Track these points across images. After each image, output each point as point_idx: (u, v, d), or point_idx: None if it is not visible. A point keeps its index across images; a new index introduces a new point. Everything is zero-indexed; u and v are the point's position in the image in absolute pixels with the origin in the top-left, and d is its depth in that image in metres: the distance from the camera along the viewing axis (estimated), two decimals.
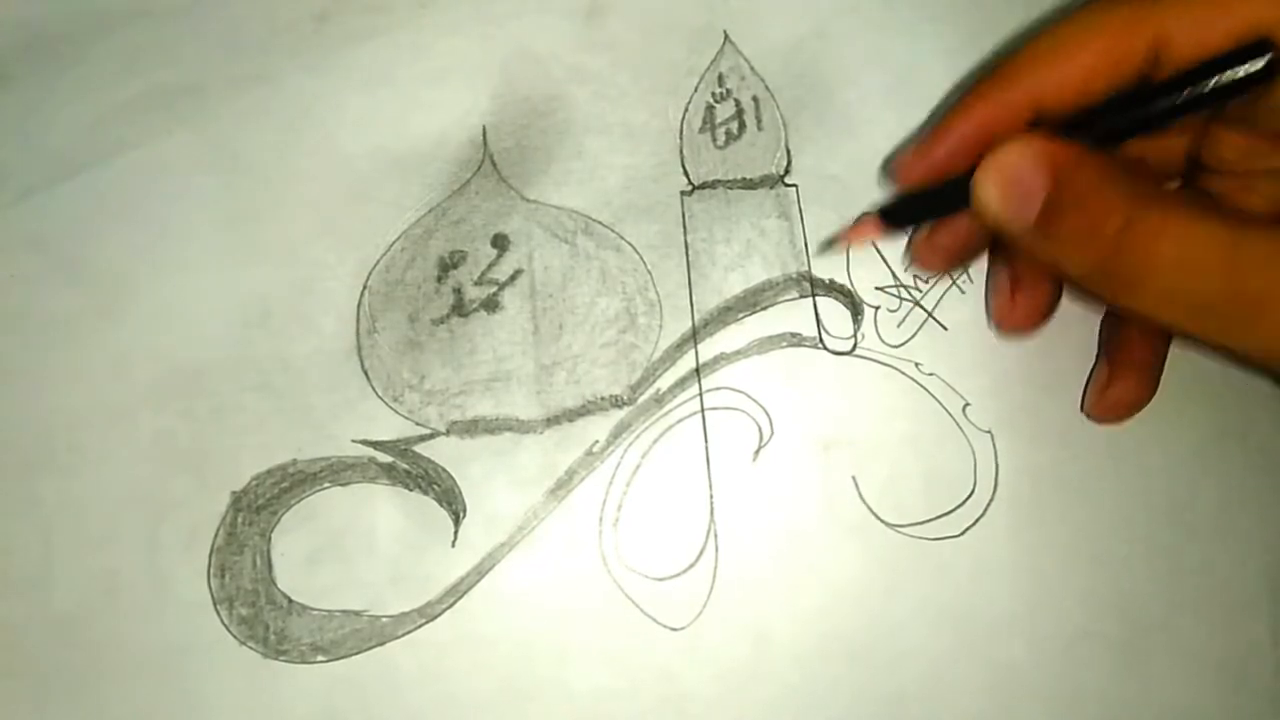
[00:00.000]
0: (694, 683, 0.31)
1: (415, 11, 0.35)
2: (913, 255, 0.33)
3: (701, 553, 0.32)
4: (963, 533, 0.32)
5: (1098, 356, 0.34)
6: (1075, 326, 0.34)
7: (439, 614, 0.31)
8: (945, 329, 0.34)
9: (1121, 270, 0.25)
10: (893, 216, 0.31)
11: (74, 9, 0.35)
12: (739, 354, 0.33)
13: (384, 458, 0.32)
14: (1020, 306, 0.32)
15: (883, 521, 0.32)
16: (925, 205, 0.30)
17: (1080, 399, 0.33)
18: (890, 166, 0.31)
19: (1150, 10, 0.27)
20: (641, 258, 0.34)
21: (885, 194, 0.34)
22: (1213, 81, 0.25)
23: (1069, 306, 0.34)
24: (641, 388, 0.33)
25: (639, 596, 0.31)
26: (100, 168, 0.34)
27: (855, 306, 0.34)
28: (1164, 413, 0.34)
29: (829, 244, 0.34)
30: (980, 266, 0.34)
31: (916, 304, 0.34)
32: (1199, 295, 0.24)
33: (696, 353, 0.33)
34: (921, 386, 0.33)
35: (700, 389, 0.33)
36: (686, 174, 0.34)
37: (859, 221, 0.31)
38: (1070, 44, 0.28)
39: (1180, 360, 0.34)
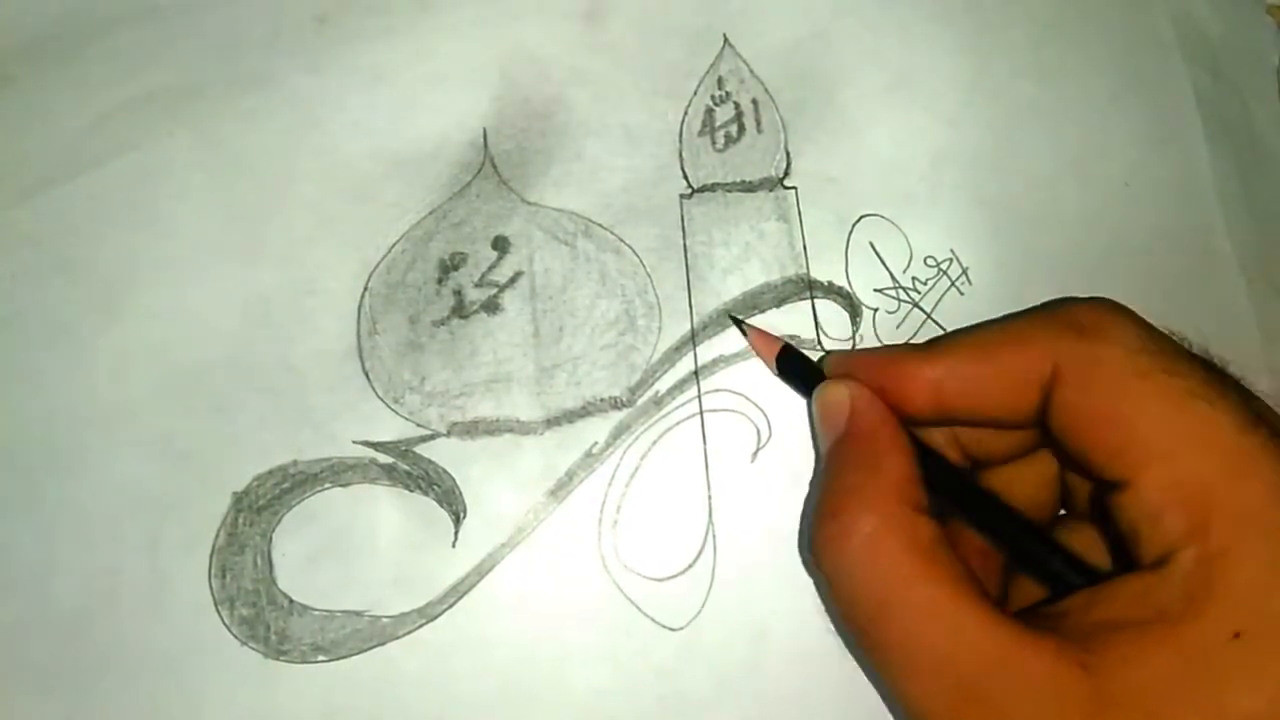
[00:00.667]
0: (692, 682, 0.31)
1: (416, 13, 0.35)
2: None
3: (700, 553, 0.32)
4: None
5: None
6: None
7: (439, 614, 0.31)
8: (944, 331, 0.34)
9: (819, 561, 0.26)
10: (786, 366, 0.32)
11: (74, 9, 0.35)
12: (738, 356, 0.33)
13: (385, 459, 0.32)
14: None
15: None
16: (801, 379, 0.31)
17: None
18: (823, 359, 0.32)
19: (1048, 345, 0.27)
20: (641, 260, 0.34)
21: (884, 196, 0.35)
22: (1042, 561, 0.27)
23: None
24: (641, 389, 0.33)
25: (638, 597, 0.32)
26: (101, 168, 0.34)
27: (854, 308, 0.34)
28: None
29: (739, 322, 0.33)
30: (980, 267, 0.35)
31: (915, 305, 0.34)
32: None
33: (695, 355, 0.33)
34: None
35: (699, 391, 0.33)
36: (686, 177, 0.35)
37: (770, 339, 0.32)
38: (977, 351, 0.28)
39: None
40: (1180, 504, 0.24)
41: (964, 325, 0.34)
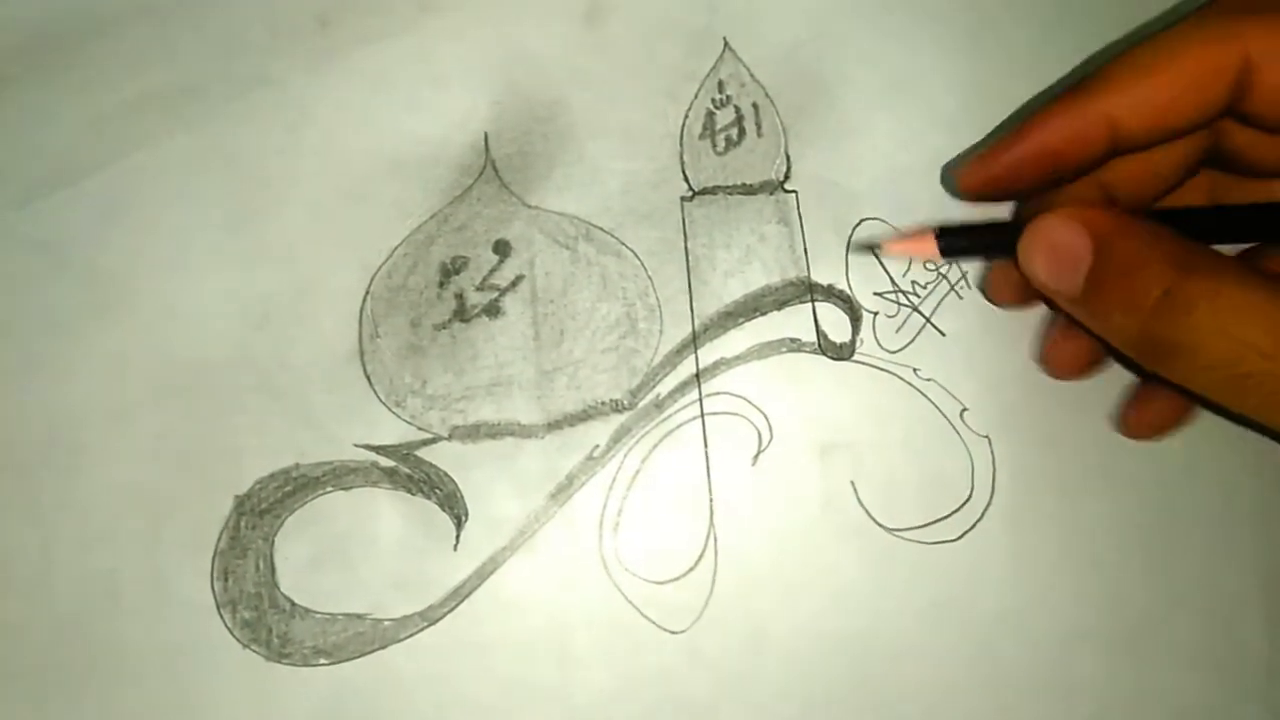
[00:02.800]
0: (693, 685, 0.31)
1: (416, 15, 0.35)
2: (986, 286, 0.33)
3: (701, 556, 0.32)
4: (960, 537, 0.33)
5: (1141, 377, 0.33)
6: None
7: (441, 617, 0.31)
8: (943, 335, 0.34)
9: (1160, 340, 0.24)
10: (949, 240, 0.29)
11: (74, 9, 0.34)
12: (739, 359, 0.33)
13: (386, 462, 0.32)
14: (1067, 353, 0.32)
15: (881, 526, 0.33)
16: (983, 242, 0.29)
17: (1075, 403, 0.34)
18: (950, 171, 0.30)
19: (1236, 35, 0.25)
20: (642, 263, 0.34)
21: (885, 200, 0.35)
22: None
23: None
24: (642, 392, 0.33)
25: (639, 600, 0.32)
26: (101, 169, 0.33)
27: (854, 312, 0.34)
28: None
29: (874, 248, 0.33)
30: (976, 273, 0.35)
31: (915, 310, 0.34)
32: (1239, 368, 0.23)
33: (696, 358, 0.33)
34: (919, 392, 0.34)
35: (700, 394, 0.33)
36: (687, 180, 0.35)
37: (916, 233, 0.30)
38: (1152, 63, 0.26)
39: None
40: None
41: (963, 330, 0.34)
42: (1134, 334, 0.25)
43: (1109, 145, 0.27)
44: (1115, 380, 0.34)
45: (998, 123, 0.36)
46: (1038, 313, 0.34)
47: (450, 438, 0.32)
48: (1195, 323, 0.23)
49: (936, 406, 0.33)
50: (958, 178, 0.30)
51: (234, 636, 0.31)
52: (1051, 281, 0.26)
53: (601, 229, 0.34)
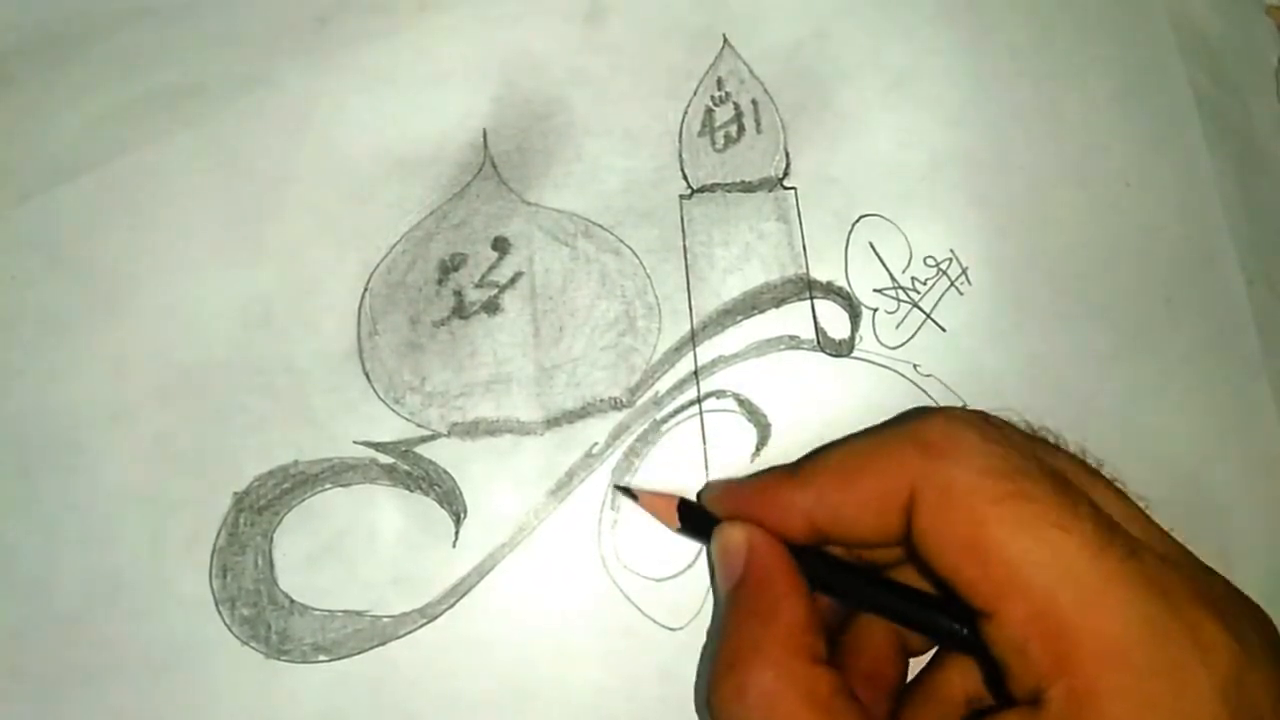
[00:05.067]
0: (692, 682, 0.31)
1: (416, 14, 0.35)
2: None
3: (700, 553, 0.32)
4: None
5: None
6: (1073, 330, 0.34)
7: (440, 614, 0.31)
8: (943, 330, 0.34)
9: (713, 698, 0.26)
10: (686, 519, 0.31)
11: (74, 9, 0.35)
12: (737, 356, 0.33)
13: (385, 459, 0.32)
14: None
15: None
16: (700, 529, 0.30)
17: (1077, 399, 0.34)
18: (703, 489, 0.32)
19: (904, 465, 0.26)
20: (641, 261, 0.34)
21: (884, 196, 0.35)
22: (919, 616, 0.27)
23: (1067, 309, 0.34)
24: (641, 390, 0.33)
25: (638, 596, 0.32)
26: (101, 168, 0.34)
27: (853, 308, 0.34)
28: (1160, 415, 0.34)
29: (629, 492, 0.32)
30: (980, 267, 0.35)
31: (915, 305, 0.34)
32: None
33: (695, 355, 0.33)
34: (919, 388, 0.34)
35: (699, 391, 0.33)
36: (685, 177, 0.35)
37: (663, 498, 0.31)
38: (842, 473, 0.28)
39: (1176, 366, 0.34)
40: (1042, 637, 0.23)
41: (963, 326, 0.34)
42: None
43: (814, 536, 0.28)
44: (1115, 380, 0.34)
45: (997, 122, 0.36)
46: (1038, 311, 0.34)
47: (449, 435, 0.32)
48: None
49: (936, 402, 0.33)
50: (706, 496, 0.31)
51: (233, 633, 0.30)
52: (720, 573, 0.29)
53: (600, 226, 0.34)
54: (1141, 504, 0.27)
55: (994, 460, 0.25)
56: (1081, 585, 0.23)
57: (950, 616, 0.27)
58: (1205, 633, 0.23)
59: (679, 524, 0.30)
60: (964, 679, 0.28)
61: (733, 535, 0.28)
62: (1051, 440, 0.31)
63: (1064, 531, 0.24)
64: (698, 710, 0.31)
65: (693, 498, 0.31)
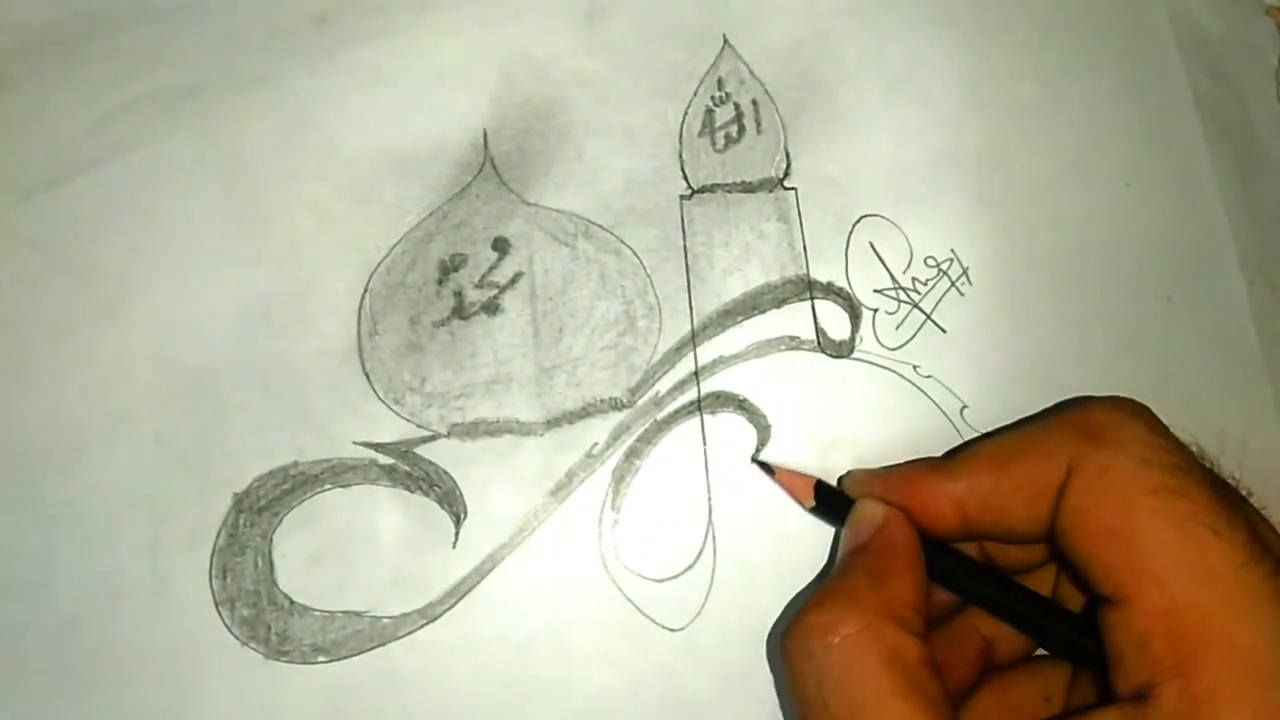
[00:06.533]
0: (693, 683, 0.31)
1: (416, 14, 0.35)
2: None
3: (700, 554, 0.32)
4: None
5: None
6: (1073, 330, 0.34)
7: (440, 615, 0.31)
8: (944, 332, 0.34)
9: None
10: (821, 499, 0.31)
11: (74, 9, 0.35)
12: (737, 357, 0.33)
13: (385, 460, 0.32)
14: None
15: None
16: (833, 511, 0.31)
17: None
18: (844, 476, 0.32)
19: (1061, 454, 0.26)
20: (641, 261, 0.34)
21: (885, 197, 0.35)
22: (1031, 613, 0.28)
23: (1068, 309, 0.34)
24: (641, 390, 0.33)
25: (638, 597, 0.32)
26: (101, 168, 0.34)
27: (854, 309, 0.34)
28: (1160, 415, 0.34)
29: (766, 466, 0.32)
30: (980, 267, 0.35)
31: (915, 306, 0.34)
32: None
33: (695, 355, 0.33)
34: (919, 389, 0.34)
35: (699, 391, 0.33)
36: (686, 177, 0.35)
37: (800, 477, 0.31)
38: (992, 465, 0.28)
39: (1176, 366, 0.34)
40: (1169, 633, 0.23)
41: (964, 327, 0.34)
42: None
43: (963, 528, 0.28)
44: (1115, 380, 0.34)
45: (997, 122, 0.36)
46: (1038, 310, 0.34)
47: (449, 435, 0.32)
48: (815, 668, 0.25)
49: (936, 404, 0.33)
50: (847, 481, 0.31)
51: (232, 634, 0.31)
52: (845, 539, 0.29)
53: (601, 226, 0.34)
54: None
55: (1156, 452, 0.25)
56: (1223, 590, 0.23)
57: (1064, 619, 0.27)
58: None
59: (813, 503, 0.31)
60: (1046, 682, 0.28)
61: (872, 508, 0.28)
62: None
63: (1215, 535, 0.23)
64: (769, 645, 0.31)
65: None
